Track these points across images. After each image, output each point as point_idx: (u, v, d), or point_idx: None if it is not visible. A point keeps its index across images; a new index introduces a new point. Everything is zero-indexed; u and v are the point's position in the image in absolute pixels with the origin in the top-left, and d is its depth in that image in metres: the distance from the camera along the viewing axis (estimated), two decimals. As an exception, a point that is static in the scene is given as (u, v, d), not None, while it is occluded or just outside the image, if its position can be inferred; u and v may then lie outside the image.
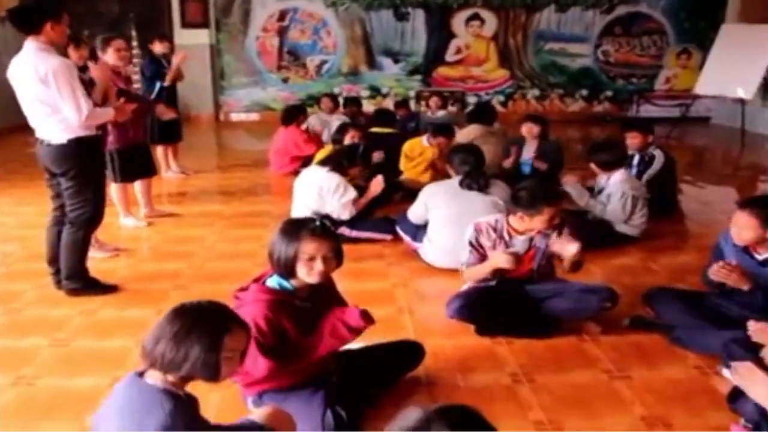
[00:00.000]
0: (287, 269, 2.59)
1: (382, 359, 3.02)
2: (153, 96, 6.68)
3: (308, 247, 2.55)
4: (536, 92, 12.43)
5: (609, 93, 12.59)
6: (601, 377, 3.16)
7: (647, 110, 12.49)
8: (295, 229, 2.62)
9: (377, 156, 5.70)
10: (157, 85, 6.80)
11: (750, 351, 2.89)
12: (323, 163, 5.05)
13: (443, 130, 6.27)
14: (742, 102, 9.91)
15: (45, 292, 4.12)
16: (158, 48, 7.04)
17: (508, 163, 6.36)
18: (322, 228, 2.62)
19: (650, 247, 4.97)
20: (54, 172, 3.95)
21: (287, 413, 2.36)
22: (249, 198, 6.58)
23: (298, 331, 2.59)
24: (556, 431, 2.72)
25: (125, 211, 5.56)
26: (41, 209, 5.08)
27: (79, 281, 4.05)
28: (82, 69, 4.71)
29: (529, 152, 6.37)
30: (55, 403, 2.95)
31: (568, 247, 3.50)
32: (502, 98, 12.33)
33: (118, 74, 5.07)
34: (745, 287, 3.24)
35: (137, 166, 5.39)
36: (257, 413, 2.32)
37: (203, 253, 4.91)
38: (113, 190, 5.38)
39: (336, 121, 7.64)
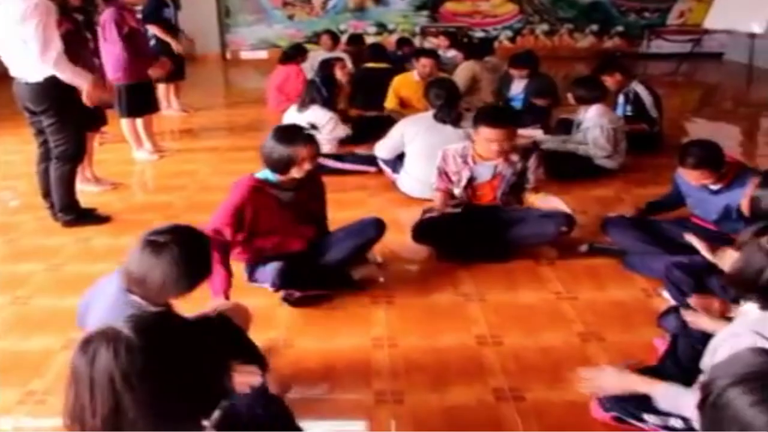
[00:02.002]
0: (283, 167, 3.14)
1: (347, 237, 3.49)
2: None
3: (302, 151, 3.11)
4: (545, 27, 12.32)
5: (620, 28, 12.42)
6: (549, 297, 3.38)
7: (659, 46, 12.32)
8: (291, 135, 3.16)
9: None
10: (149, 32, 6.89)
11: (689, 275, 3.10)
12: (307, 104, 5.21)
13: (427, 52, 6.34)
14: (752, 37, 9.74)
15: (43, 224, 4.40)
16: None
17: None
18: (311, 135, 3.22)
19: (627, 180, 5.12)
20: (33, 110, 4.12)
21: (244, 306, 2.66)
22: (248, 134, 6.77)
23: (264, 217, 3.16)
24: (495, 345, 2.95)
25: (138, 145, 5.84)
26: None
27: (72, 212, 4.33)
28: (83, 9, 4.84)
29: (518, 88, 6.44)
30: (47, 320, 3.24)
31: (551, 203, 3.73)
32: (510, 33, 12.25)
33: (131, 12, 5.28)
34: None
35: (143, 101, 5.65)
36: (215, 305, 2.59)
37: (194, 186, 5.18)
38: (123, 125, 5.70)
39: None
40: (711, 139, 3.54)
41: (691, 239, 3.07)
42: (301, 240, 3.35)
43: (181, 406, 1.28)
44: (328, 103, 5.23)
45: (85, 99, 4.06)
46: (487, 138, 3.62)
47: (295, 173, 3.17)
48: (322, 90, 5.20)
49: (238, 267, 3.28)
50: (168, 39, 6.99)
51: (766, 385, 1.19)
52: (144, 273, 2.02)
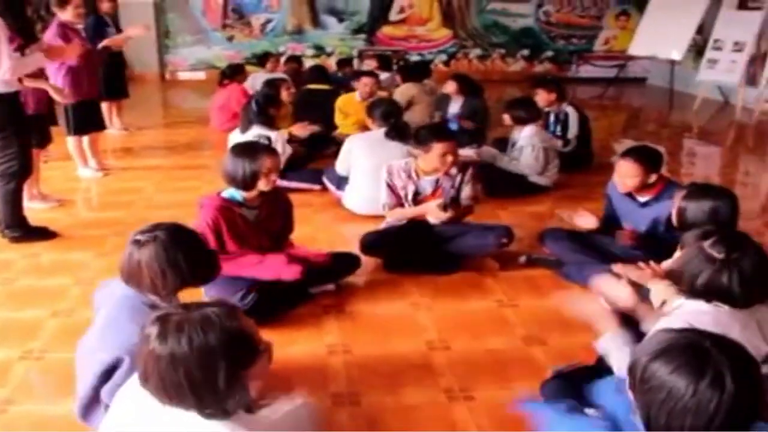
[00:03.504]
0: (249, 182, 3.23)
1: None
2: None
3: (267, 162, 3.22)
4: (478, 52, 12.76)
5: (549, 53, 12.98)
6: (492, 305, 3.59)
7: (586, 71, 12.96)
8: (252, 150, 3.29)
9: (306, 129, 5.90)
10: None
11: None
12: (249, 124, 5.29)
13: (367, 72, 6.57)
14: (672, 63, 10.34)
15: (-10, 240, 4.36)
16: (105, 6, 7.06)
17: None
18: (271, 147, 3.39)
19: (560, 196, 5.41)
20: None
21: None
22: (189, 153, 6.84)
23: (233, 239, 3.25)
24: (444, 349, 3.12)
25: (83, 162, 5.82)
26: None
27: (19, 230, 4.30)
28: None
29: (454, 109, 6.69)
30: (3, 332, 3.24)
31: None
32: (444, 57, 12.64)
33: (75, 32, 5.27)
34: None
35: (90, 119, 5.65)
36: None
37: (142, 202, 5.21)
38: (69, 143, 5.70)
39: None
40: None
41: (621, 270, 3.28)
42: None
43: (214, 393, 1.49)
44: (269, 123, 5.30)
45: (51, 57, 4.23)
46: (441, 152, 3.82)
47: (263, 186, 3.26)
48: (262, 110, 5.26)
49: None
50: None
51: (680, 354, 1.41)
52: (130, 270, 2.15)
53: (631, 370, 1.50)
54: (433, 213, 3.87)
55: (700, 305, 2.15)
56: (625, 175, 3.68)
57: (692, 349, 1.40)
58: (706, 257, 2.09)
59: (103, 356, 2.11)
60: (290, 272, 3.29)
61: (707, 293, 2.11)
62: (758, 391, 1.38)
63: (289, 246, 3.62)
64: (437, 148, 3.82)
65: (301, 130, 5.54)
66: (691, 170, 7.07)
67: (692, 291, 2.15)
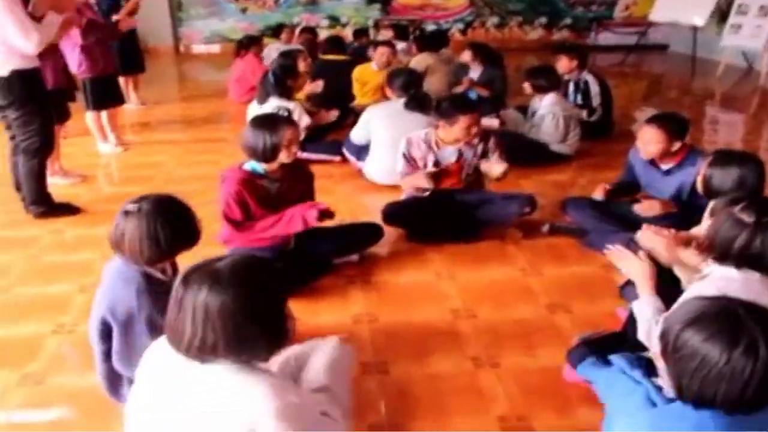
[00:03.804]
0: (270, 154, 3.20)
1: (346, 234, 3.67)
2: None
3: (288, 133, 3.20)
4: (495, 20, 12.59)
5: (568, 20, 12.78)
6: (516, 274, 3.58)
7: (606, 38, 12.74)
8: (272, 121, 3.27)
9: (315, 86, 5.86)
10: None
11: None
12: (267, 96, 5.27)
13: (384, 42, 6.51)
14: (694, 29, 10.15)
15: (17, 217, 4.39)
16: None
17: (459, 89, 6.62)
18: (290, 118, 3.37)
19: (582, 164, 5.37)
20: (0, 104, 4.09)
21: None
22: (207, 126, 6.84)
23: (260, 207, 3.25)
24: (469, 317, 3.13)
25: (102, 138, 5.84)
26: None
27: (44, 205, 4.34)
28: None
29: (473, 77, 6.62)
30: (31, 307, 3.29)
31: (495, 167, 3.88)
32: (461, 26, 12.48)
33: (86, 4, 5.26)
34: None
35: (108, 94, 5.65)
36: None
37: (162, 176, 5.23)
38: (88, 118, 5.71)
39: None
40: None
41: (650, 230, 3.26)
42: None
43: (258, 340, 1.53)
44: (287, 94, 5.27)
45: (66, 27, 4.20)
46: (465, 125, 3.79)
47: (284, 158, 3.24)
48: (279, 81, 5.23)
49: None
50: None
51: (712, 322, 1.39)
52: (115, 239, 2.20)
53: (663, 337, 1.49)
54: (420, 180, 3.86)
55: (730, 272, 2.13)
56: (648, 141, 3.64)
57: (725, 316, 1.39)
58: (737, 222, 2.07)
59: (95, 318, 2.24)
60: (312, 215, 3.24)
61: (740, 258, 2.08)
62: None
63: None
64: (462, 120, 3.78)
65: (313, 87, 5.51)
66: (713, 138, 6.97)
67: (725, 257, 2.12)
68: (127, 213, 2.19)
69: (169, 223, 2.19)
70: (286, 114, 3.40)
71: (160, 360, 1.62)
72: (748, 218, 2.05)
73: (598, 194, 3.96)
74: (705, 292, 2.14)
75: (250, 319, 1.48)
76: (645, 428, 1.50)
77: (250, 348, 1.51)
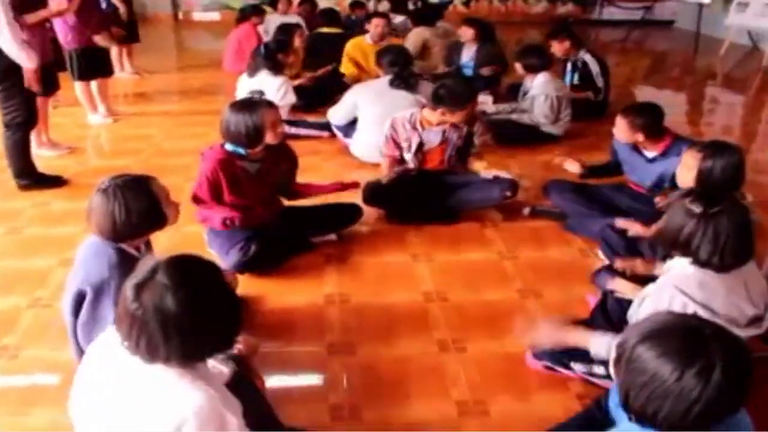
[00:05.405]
0: (254, 138, 3.20)
1: (324, 213, 3.70)
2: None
3: (270, 115, 3.21)
4: (499, -7, 12.44)
5: (573, -6, 12.63)
6: (492, 257, 3.60)
7: (611, 12, 12.59)
8: (253, 104, 3.23)
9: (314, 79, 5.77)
10: None
11: (623, 236, 3.34)
12: (257, 69, 5.24)
13: (379, 13, 6.47)
14: (700, 5, 10.01)
15: (1, 188, 4.42)
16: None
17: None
18: (268, 100, 3.36)
19: (571, 146, 5.33)
20: None
21: (232, 272, 2.98)
22: (202, 98, 6.83)
23: (231, 193, 3.23)
24: (440, 300, 3.16)
25: (92, 109, 5.84)
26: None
27: (28, 178, 4.37)
28: None
29: (468, 55, 6.57)
30: (10, 280, 3.33)
31: (482, 173, 3.95)
32: (464, -1, 12.35)
33: None
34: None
35: (95, 65, 5.63)
36: None
37: (150, 150, 5.25)
38: (77, 89, 5.70)
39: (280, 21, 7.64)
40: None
41: (624, 225, 3.30)
42: (268, 211, 3.45)
43: (208, 343, 1.55)
44: (276, 68, 5.25)
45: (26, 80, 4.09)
46: (454, 119, 3.79)
47: (270, 139, 3.23)
48: (271, 55, 5.21)
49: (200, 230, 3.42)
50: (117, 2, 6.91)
51: (668, 340, 1.36)
52: (87, 214, 2.24)
53: (619, 348, 1.47)
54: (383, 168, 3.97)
55: (686, 268, 2.16)
56: (616, 129, 3.65)
57: (689, 335, 1.36)
58: (687, 213, 2.12)
59: (69, 291, 2.26)
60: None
61: (686, 247, 2.13)
62: (745, 388, 1.34)
63: (303, 188, 3.70)
64: (458, 115, 3.77)
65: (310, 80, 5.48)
66: (711, 119, 6.93)
67: (673, 245, 2.19)
68: (98, 189, 2.24)
69: (130, 205, 2.20)
70: (259, 96, 3.36)
71: (112, 342, 1.65)
72: (696, 209, 2.10)
73: (574, 167, 3.99)
74: (661, 289, 2.17)
75: (192, 323, 1.48)
76: None
77: (193, 350, 1.52)
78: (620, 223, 3.38)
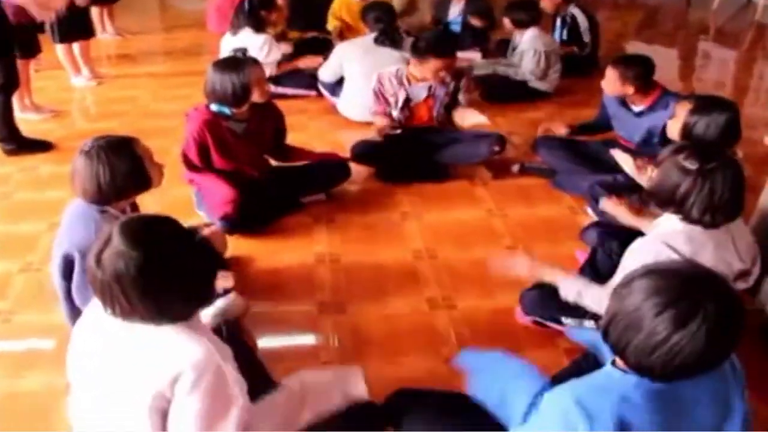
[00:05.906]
0: (241, 97, 3.17)
1: (313, 172, 3.68)
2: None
3: (256, 72, 3.19)
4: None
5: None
6: (482, 215, 3.61)
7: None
8: (237, 63, 3.19)
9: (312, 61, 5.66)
10: None
11: (611, 192, 3.32)
12: (239, 27, 5.14)
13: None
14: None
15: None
16: None
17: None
18: (252, 57, 3.33)
19: (561, 102, 5.32)
20: None
21: (222, 233, 2.97)
22: (187, 58, 6.70)
23: (219, 154, 3.23)
24: (430, 258, 3.17)
25: (75, 71, 5.74)
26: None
27: (13, 142, 4.31)
28: None
29: (456, 11, 6.46)
30: (2, 246, 3.32)
31: (468, 117, 3.87)
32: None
33: None
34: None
35: (76, 26, 5.50)
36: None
37: (136, 112, 5.19)
38: (58, 51, 5.58)
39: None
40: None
41: (616, 154, 3.29)
42: (256, 171, 3.44)
43: (176, 302, 1.53)
44: (259, 26, 5.17)
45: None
46: (435, 68, 3.75)
47: (257, 97, 3.21)
48: (254, 11, 5.11)
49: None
50: None
51: (664, 277, 1.33)
52: (71, 177, 2.22)
53: (626, 277, 1.42)
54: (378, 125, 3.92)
55: (675, 224, 2.16)
56: (605, 80, 3.61)
57: (686, 279, 1.33)
58: (682, 170, 2.08)
59: (57, 256, 2.26)
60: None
61: (682, 205, 2.11)
62: (725, 344, 1.33)
63: (299, 152, 3.70)
64: (433, 63, 3.73)
65: (309, 63, 5.38)
66: (702, 74, 6.89)
67: (669, 204, 2.16)
68: (81, 152, 2.21)
69: (114, 167, 2.18)
70: (242, 54, 3.31)
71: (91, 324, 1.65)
72: (691, 165, 2.06)
73: (562, 132, 4.01)
74: (649, 245, 2.17)
75: (154, 284, 1.47)
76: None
77: (166, 309, 1.51)
78: (614, 152, 3.35)
